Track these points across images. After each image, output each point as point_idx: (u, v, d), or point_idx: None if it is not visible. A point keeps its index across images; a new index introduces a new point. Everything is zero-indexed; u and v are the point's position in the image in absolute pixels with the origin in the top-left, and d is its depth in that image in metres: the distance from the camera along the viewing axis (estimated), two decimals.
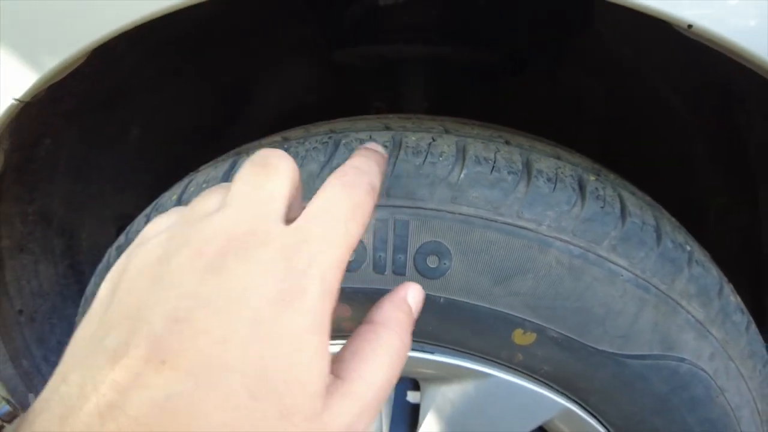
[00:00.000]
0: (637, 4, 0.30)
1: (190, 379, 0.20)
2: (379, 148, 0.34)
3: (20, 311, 0.66)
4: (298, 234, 0.24)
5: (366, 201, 0.27)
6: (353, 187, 0.27)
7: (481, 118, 0.50)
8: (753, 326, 0.47)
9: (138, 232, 0.48)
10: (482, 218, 0.37)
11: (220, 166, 0.45)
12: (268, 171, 0.26)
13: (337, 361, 0.24)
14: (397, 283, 0.38)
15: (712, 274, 0.43)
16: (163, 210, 0.46)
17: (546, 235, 0.37)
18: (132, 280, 0.23)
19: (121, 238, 0.51)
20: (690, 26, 0.28)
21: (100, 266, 0.54)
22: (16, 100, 0.40)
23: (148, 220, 0.48)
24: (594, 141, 0.88)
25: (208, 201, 0.27)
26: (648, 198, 0.47)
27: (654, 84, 0.71)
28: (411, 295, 0.29)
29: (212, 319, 0.21)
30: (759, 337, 0.48)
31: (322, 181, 0.39)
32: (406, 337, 0.26)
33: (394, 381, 0.25)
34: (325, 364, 0.22)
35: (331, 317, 0.23)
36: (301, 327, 0.21)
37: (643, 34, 0.61)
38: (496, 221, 0.37)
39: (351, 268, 0.39)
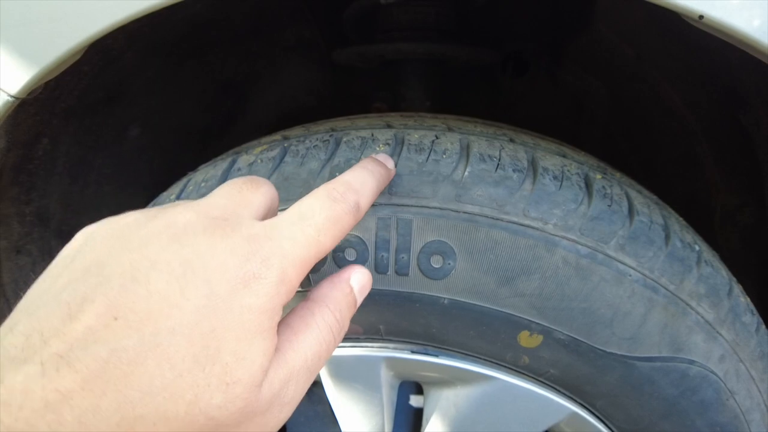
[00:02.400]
0: None
1: (136, 336, 0.20)
2: (389, 162, 0.35)
3: None
4: (268, 229, 0.26)
5: (344, 218, 0.28)
6: (336, 202, 0.29)
7: (483, 119, 0.49)
8: (763, 327, 0.46)
9: None
10: (487, 217, 0.36)
11: (219, 165, 0.44)
12: (251, 184, 0.29)
13: None
14: (400, 285, 0.38)
15: (721, 274, 0.43)
16: None
17: (553, 234, 0.36)
18: (101, 239, 0.24)
19: None
20: (701, 17, 0.27)
21: None
22: (11, 96, 0.40)
23: None
24: (596, 141, 0.87)
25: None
26: (655, 197, 0.46)
27: (656, 84, 0.70)
28: (354, 278, 0.30)
29: (169, 283, 0.22)
30: None
31: (323, 179, 0.39)
32: (340, 315, 0.28)
33: (327, 354, 0.27)
34: (270, 345, 0.24)
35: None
36: (253, 308, 0.23)
37: (644, 34, 0.60)
38: (501, 220, 0.36)
39: None
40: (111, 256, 0.23)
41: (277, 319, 0.25)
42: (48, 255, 0.67)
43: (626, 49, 0.70)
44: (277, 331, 0.26)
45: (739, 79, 0.55)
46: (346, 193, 0.29)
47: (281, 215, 0.27)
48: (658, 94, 0.72)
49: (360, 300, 0.31)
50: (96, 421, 0.19)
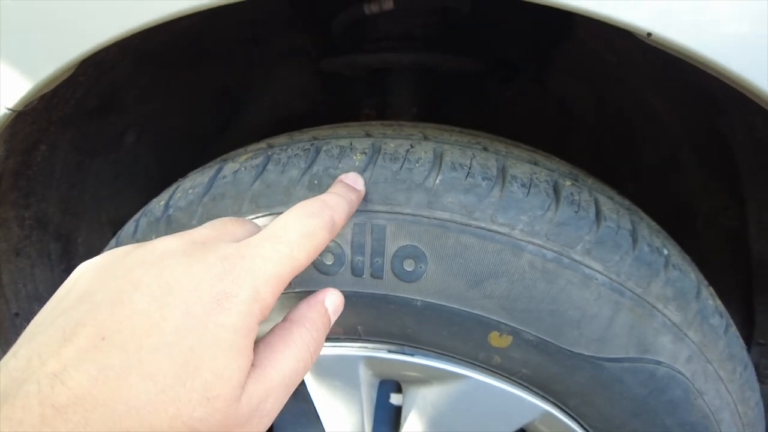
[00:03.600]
0: (602, 15, 0.31)
1: (121, 354, 0.22)
2: (359, 183, 0.37)
3: (16, 314, 0.67)
4: (242, 249, 0.27)
5: (319, 233, 0.30)
6: (310, 217, 0.30)
7: (470, 126, 0.51)
8: (732, 329, 0.47)
9: (128, 237, 0.49)
10: (457, 223, 0.38)
11: (206, 172, 0.46)
12: (237, 220, 0.33)
13: (254, 352, 0.27)
14: (376, 287, 0.40)
15: (689, 278, 0.44)
16: (151, 215, 0.47)
17: (519, 239, 0.38)
18: (92, 271, 0.27)
19: (112, 243, 0.53)
20: (649, 34, 0.29)
21: None
22: (8, 109, 0.42)
23: (137, 225, 0.49)
24: (584, 146, 0.88)
25: None
26: (627, 202, 0.48)
27: (639, 90, 0.71)
28: (329, 300, 0.32)
29: (150, 304, 0.24)
30: (739, 340, 0.48)
31: (302, 186, 0.40)
32: (317, 334, 0.30)
33: (304, 370, 0.29)
34: (246, 362, 0.25)
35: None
36: (227, 326, 0.25)
37: (622, 42, 0.62)
38: (470, 225, 0.38)
39: (330, 271, 0.40)
40: (100, 283, 0.25)
41: (253, 336, 0.26)
42: (46, 257, 0.69)
43: (609, 56, 0.72)
44: (258, 349, 0.28)
45: (711, 85, 0.56)
46: (321, 209, 0.31)
47: (257, 235, 0.29)
48: (641, 101, 0.74)
49: (333, 320, 0.33)
50: None
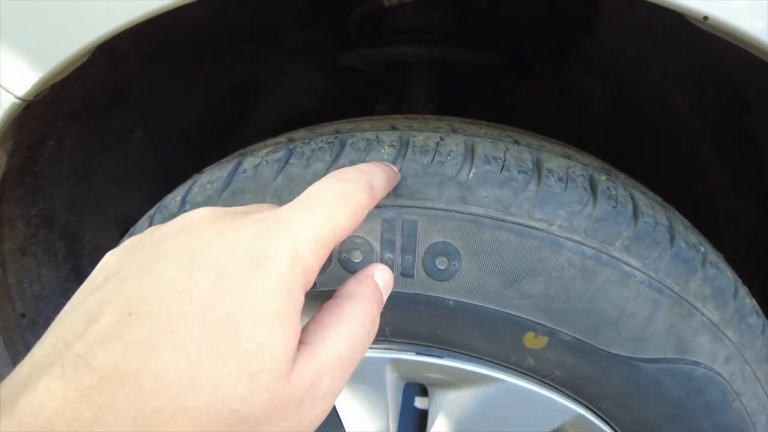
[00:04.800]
0: None
1: (149, 326, 0.20)
2: (392, 167, 0.35)
3: (22, 314, 0.65)
4: (278, 212, 0.25)
5: (358, 195, 0.28)
6: (345, 182, 0.28)
7: (487, 120, 0.49)
8: None
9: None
10: (492, 218, 0.36)
11: (225, 166, 0.44)
12: (271, 205, 0.32)
13: (303, 331, 0.25)
14: (406, 286, 0.38)
15: (726, 276, 0.43)
16: (166, 212, 0.46)
17: (558, 236, 0.36)
18: (120, 251, 0.25)
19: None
20: (706, 18, 0.27)
21: None
22: (18, 99, 0.40)
23: (151, 222, 0.47)
24: (600, 143, 0.87)
25: None
26: (659, 198, 0.46)
27: (659, 85, 0.70)
28: (378, 274, 0.30)
29: (177, 269, 0.22)
30: None
31: None
32: (370, 308, 0.28)
33: (361, 347, 0.26)
34: (293, 332, 0.22)
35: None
36: (267, 289, 0.22)
37: (645, 36, 0.60)
38: (506, 221, 0.36)
39: (358, 269, 0.38)
40: (127, 260, 0.23)
41: (297, 304, 0.23)
42: (53, 256, 0.67)
43: (628, 51, 0.70)
44: (307, 327, 0.25)
45: (742, 80, 0.55)
46: (355, 173, 0.29)
47: (289, 203, 0.27)
48: (660, 96, 0.72)
49: (385, 297, 0.30)
50: (112, 416, 0.18)
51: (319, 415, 0.24)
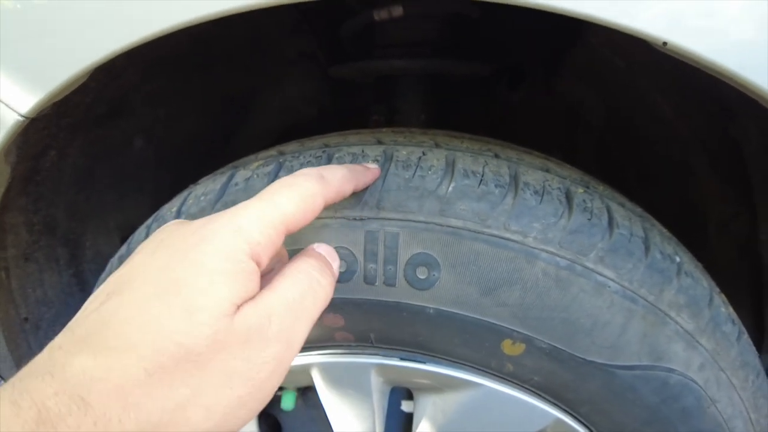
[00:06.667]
0: (616, 24, 0.31)
1: (118, 298, 0.25)
2: (365, 165, 0.37)
3: (26, 319, 0.67)
4: (228, 210, 0.29)
5: (304, 183, 0.30)
6: (294, 176, 0.31)
7: (479, 131, 0.51)
8: (745, 336, 0.47)
9: (139, 242, 0.49)
10: (470, 230, 0.38)
11: (218, 179, 0.46)
12: None
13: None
14: (388, 295, 0.40)
15: (702, 285, 0.44)
16: (162, 222, 0.47)
17: (532, 247, 0.38)
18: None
19: (123, 249, 0.53)
20: (665, 43, 0.29)
21: (103, 275, 0.55)
22: (22, 116, 0.42)
23: (148, 231, 0.49)
24: (592, 151, 0.88)
25: None
26: (639, 209, 0.47)
27: (649, 95, 0.71)
28: (318, 247, 0.33)
29: (144, 255, 0.28)
30: (751, 348, 0.48)
31: None
32: (314, 262, 0.30)
33: (310, 294, 0.29)
34: (233, 282, 0.25)
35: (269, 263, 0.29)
36: (208, 252, 0.26)
37: (633, 47, 0.62)
38: (483, 233, 0.38)
39: (342, 278, 0.39)
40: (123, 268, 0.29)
41: (243, 267, 0.26)
42: (55, 262, 0.69)
43: (618, 61, 0.72)
44: (265, 280, 0.28)
45: (725, 91, 0.56)
46: (307, 169, 0.33)
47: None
48: (650, 105, 0.74)
49: (334, 265, 0.33)
50: (78, 354, 0.23)
51: (275, 355, 0.26)
